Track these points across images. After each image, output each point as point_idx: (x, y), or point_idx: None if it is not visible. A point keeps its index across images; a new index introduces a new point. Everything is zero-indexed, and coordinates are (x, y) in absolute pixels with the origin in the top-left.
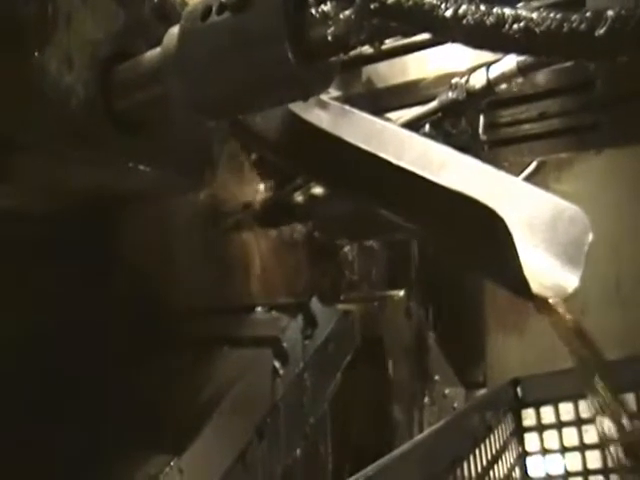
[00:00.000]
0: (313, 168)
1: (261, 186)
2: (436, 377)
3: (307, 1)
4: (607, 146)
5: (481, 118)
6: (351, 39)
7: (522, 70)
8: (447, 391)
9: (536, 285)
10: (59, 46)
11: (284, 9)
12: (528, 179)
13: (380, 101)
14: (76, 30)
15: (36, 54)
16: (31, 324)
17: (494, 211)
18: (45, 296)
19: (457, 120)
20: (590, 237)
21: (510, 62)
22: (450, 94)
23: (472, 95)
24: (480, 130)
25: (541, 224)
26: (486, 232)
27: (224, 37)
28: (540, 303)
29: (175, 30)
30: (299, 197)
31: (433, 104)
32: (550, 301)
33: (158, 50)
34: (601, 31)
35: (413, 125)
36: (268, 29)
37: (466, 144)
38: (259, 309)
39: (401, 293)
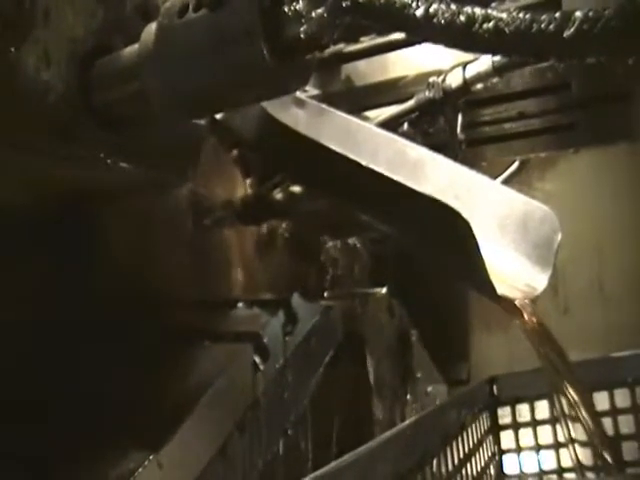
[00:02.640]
0: (288, 168)
1: (242, 183)
2: (418, 374)
3: None
4: (584, 146)
5: (459, 117)
6: (324, 37)
7: (497, 70)
8: (430, 389)
9: (503, 286)
10: (37, 42)
11: (259, 6)
12: (511, 178)
13: (359, 99)
14: (54, 26)
15: (13, 50)
16: (10, 320)
17: (458, 213)
18: (25, 291)
19: (435, 119)
20: (559, 237)
21: (486, 62)
22: (427, 93)
23: (448, 94)
24: (458, 129)
25: (512, 224)
26: (451, 234)
27: (200, 34)
28: (506, 305)
29: (153, 27)
30: (279, 194)
31: (410, 103)
32: (516, 302)
33: (136, 46)
34: (569, 32)
35: (391, 124)
36: (244, 26)
37: (444, 143)
38: (240, 305)
39: (383, 290)
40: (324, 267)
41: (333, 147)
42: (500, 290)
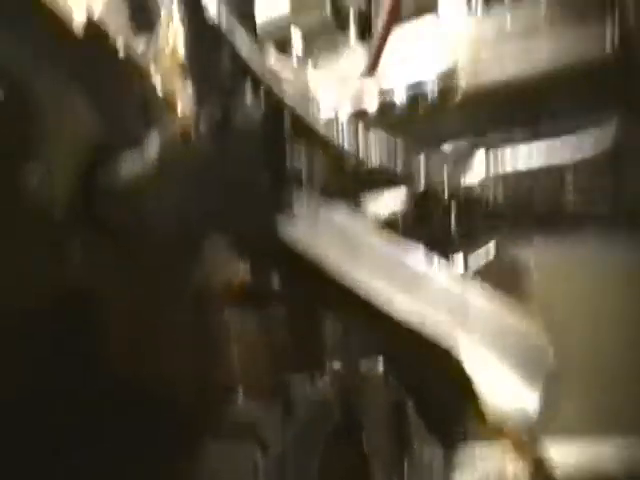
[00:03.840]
0: (292, 281)
1: (240, 268)
2: (415, 443)
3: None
4: None
5: None
6: None
7: None
8: (426, 453)
9: (493, 413)
10: (40, 160)
11: (262, 135)
12: None
13: None
14: (57, 143)
15: (18, 168)
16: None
17: (450, 352)
18: (27, 380)
19: None
20: (551, 357)
21: None
22: None
23: None
24: None
25: (502, 341)
26: (447, 373)
27: (203, 157)
28: (496, 431)
29: (156, 144)
30: (276, 280)
31: None
32: (506, 430)
33: (138, 162)
34: None
35: None
36: (247, 152)
37: None
38: (239, 393)
39: (380, 369)
40: (322, 344)
41: (331, 257)
42: (490, 419)
